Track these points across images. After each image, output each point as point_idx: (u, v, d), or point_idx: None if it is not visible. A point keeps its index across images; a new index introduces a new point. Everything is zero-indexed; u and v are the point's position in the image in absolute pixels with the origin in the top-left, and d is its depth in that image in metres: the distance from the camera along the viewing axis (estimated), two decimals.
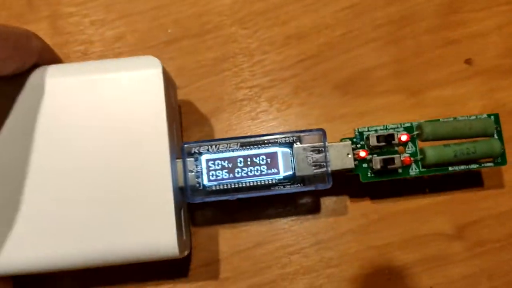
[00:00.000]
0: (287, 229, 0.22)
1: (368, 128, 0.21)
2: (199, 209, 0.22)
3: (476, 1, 0.25)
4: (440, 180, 0.22)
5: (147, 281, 0.21)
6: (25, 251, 0.18)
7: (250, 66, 0.24)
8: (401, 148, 0.21)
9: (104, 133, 0.19)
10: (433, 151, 0.21)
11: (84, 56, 0.24)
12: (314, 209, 0.22)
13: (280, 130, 0.23)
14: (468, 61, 0.24)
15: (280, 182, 0.20)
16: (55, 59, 0.21)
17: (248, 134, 0.23)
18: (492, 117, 0.21)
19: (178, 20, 0.24)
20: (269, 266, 0.21)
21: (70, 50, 0.24)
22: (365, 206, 0.22)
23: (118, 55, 0.24)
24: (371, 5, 0.25)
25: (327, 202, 0.22)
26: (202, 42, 0.24)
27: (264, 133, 0.23)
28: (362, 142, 0.21)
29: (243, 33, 0.24)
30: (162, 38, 0.24)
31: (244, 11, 0.24)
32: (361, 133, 0.21)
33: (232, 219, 0.22)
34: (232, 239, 0.22)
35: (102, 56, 0.24)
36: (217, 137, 0.23)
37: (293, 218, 0.22)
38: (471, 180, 0.22)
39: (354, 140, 0.21)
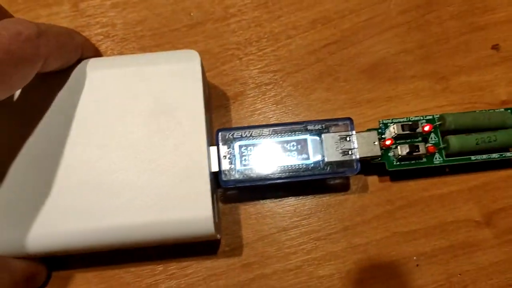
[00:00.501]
0: (313, 215, 0.22)
1: (392, 119, 0.21)
2: (224, 194, 0.22)
3: None
4: (467, 166, 0.22)
5: (172, 261, 0.21)
6: (69, 229, 0.18)
7: (274, 50, 0.24)
8: (429, 147, 0.21)
9: (145, 120, 0.19)
10: (456, 139, 0.21)
11: (106, 39, 0.24)
12: (340, 195, 0.22)
13: (305, 115, 0.23)
14: (495, 47, 0.24)
15: (310, 168, 0.20)
16: (95, 52, 0.22)
17: (273, 119, 0.23)
18: (509, 110, 0.21)
19: (201, 3, 0.24)
20: (294, 252, 0.21)
21: (91, 32, 0.24)
22: (391, 192, 0.22)
23: (139, 38, 0.24)
24: None
25: (353, 188, 0.22)
26: (226, 26, 0.24)
27: (289, 118, 0.23)
28: (386, 132, 0.21)
29: (267, 17, 0.24)
30: (185, 21, 0.24)
31: None
32: (385, 124, 0.21)
33: (257, 204, 0.22)
34: (257, 225, 0.21)
35: (123, 39, 0.24)
36: (241, 121, 0.23)
37: (319, 204, 0.22)
38: (499, 167, 0.22)
39: (379, 130, 0.21)
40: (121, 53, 0.24)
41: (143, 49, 0.24)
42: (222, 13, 0.24)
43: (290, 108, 0.23)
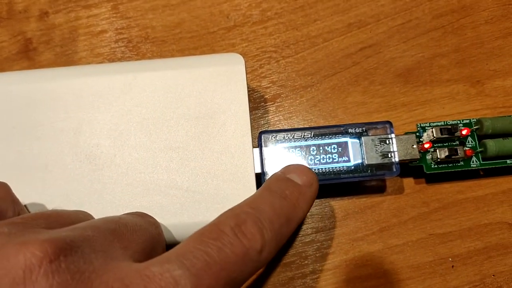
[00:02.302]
0: (350, 216, 0.22)
1: (429, 123, 0.22)
2: None
3: None
4: (501, 170, 0.23)
5: None
6: None
7: (311, 53, 0.25)
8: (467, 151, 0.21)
9: (191, 122, 0.20)
10: (494, 143, 0.21)
11: (146, 40, 0.25)
12: (376, 197, 0.23)
13: (341, 118, 0.24)
14: None
15: (350, 170, 0.21)
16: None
17: (310, 121, 0.24)
18: None
19: (238, 6, 0.25)
20: (332, 252, 0.22)
21: (131, 34, 0.25)
22: (427, 195, 0.23)
23: (178, 40, 0.25)
24: None
25: (389, 190, 0.23)
26: (263, 28, 0.25)
27: (325, 120, 0.24)
28: (424, 136, 0.22)
29: (304, 20, 0.25)
30: (223, 24, 0.25)
31: None
32: (423, 128, 0.22)
33: None
34: None
35: (163, 41, 0.25)
36: (278, 123, 0.24)
37: (356, 205, 0.23)
38: None
39: (417, 134, 0.22)
40: (160, 56, 0.24)
41: (182, 51, 0.25)
42: (259, 16, 0.25)
43: (327, 110, 0.24)
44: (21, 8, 0.25)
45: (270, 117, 0.24)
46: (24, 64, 0.24)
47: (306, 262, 0.22)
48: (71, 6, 0.25)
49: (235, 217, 0.15)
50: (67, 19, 0.25)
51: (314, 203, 0.22)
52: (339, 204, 0.23)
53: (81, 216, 0.17)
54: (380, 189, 0.23)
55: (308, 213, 0.22)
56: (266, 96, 0.24)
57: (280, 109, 0.24)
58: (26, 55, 0.25)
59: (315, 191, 0.18)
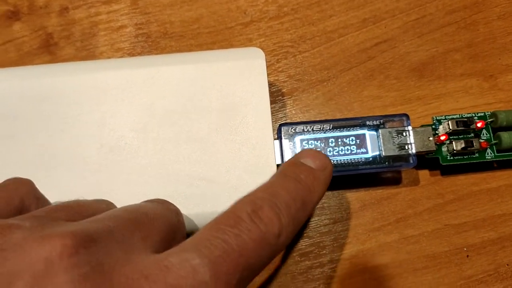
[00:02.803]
0: (366, 207, 0.23)
1: (445, 116, 0.22)
2: None
3: None
4: None
5: None
6: None
7: (327, 48, 0.25)
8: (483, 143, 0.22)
9: (213, 115, 0.21)
10: (508, 135, 0.22)
11: (164, 35, 0.25)
12: (392, 188, 0.23)
13: (357, 111, 0.24)
14: None
15: (368, 162, 0.21)
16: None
17: (327, 115, 0.24)
18: None
19: (255, 2, 0.26)
20: (349, 242, 0.23)
21: (151, 29, 0.25)
22: (442, 186, 0.23)
23: (197, 35, 0.25)
24: None
25: (404, 181, 0.23)
26: (280, 24, 0.25)
27: (341, 113, 0.24)
28: (440, 128, 0.22)
29: (319, 16, 0.26)
30: (240, 19, 0.26)
31: None
32: (438, 120, 0.22)
33: None
34: (314, 215, 0.23)
35: (181, 36, 0.25)
36: (296, 116, 0.24)
37: (372, 197, 0.23)
38: None
39: (433, 126, 0.22)
40: (179, 50, 0.25)
41: (200, 46, 0.25)
42: (276, 11, 0.26)
43: (343, 104, 0.24)
44: (41, 4, 0.26)
45: (287, 110, 0.24)
46: (45, 59, 0.25)
47: (324, 252, 0.23)
48: (91, 2, 0.26)
49: (251, 203, 0.15)
50: (87, 15, 0.26)
51: (331, 194, 0.23)
52: (355, 196, 0.23)
53: (103, 206, 0.17)
54: (396, 181, 0.24)
55: (326, 204, 0.23)
56: (284, 90, 0.25)
57: (297, 102, 0.25)
58: (47, 50, 0.25)
59: (330, 174, 0.18)
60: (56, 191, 0.20)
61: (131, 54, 0.25)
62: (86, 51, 0.25)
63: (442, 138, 0.22)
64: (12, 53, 0.25)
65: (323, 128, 0.22)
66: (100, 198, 0.19)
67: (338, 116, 0.24)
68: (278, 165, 0.21)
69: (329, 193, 0.23)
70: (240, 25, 0.26)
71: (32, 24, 0.26)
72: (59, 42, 0.25)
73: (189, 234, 0.20)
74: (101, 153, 0.20)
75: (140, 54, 0.25)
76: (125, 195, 0.20)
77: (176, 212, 0.18)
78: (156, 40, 0.25)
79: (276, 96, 0.25)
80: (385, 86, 0.25)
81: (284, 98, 0.25)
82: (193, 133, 0.21)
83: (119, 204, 0.19)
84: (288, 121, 0.24)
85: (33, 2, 0.26)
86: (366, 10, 0.26)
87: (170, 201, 0.19)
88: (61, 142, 0.21)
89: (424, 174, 0.24)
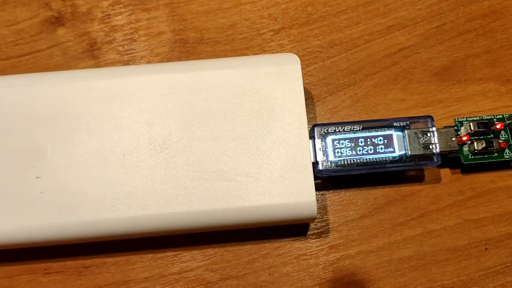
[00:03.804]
0: (391, 203, 0.25)
1: (466, 118, 0.24)
2: None
3: None
4: None
5: (267, 242, 0.24)
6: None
7: (354, 53, 0.27)
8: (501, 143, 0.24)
9: (253, 116, 0.23)
10: None
11: (201, 41, 0.27)
12: (415, 186, 0.25)
13: (382, 113, 0.26)
14: None
15: (395, 160, 0.23)
16: None
17: (353, 116, 0.26)
18: None
19: (286, 10, 0.28)
20: (375, 235, 0.25)
21: (188, 35, 0.27)
22: (462, 184, 0.25)
23: (231, 41, 0.27)
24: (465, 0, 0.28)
25: (427, 179, 0.25)
26: (309, 30, 0.27)
27: (367, 115, 0.26)
28: (462, 129, 0.24)
29: (346, 23, 0.28)
30: (271, 26, 0.28)
31: (348, 2, 0.28)
32: (460, 122, 0.24)
33: (341, 193, 0.25)
34: (342, 211, 0.25)
35: (216, 42, 0.27)
36: (325, 117, 0.26)
37: (397, 193, 0.25)
38: None
39: (455, 127, 0.24)
40: (214, 55, 0.27)
41: (235, 51, 0.27)
42: (305, 19, 0.28)
43: (369, 106, 0.26)
44: (84, 10, 0.28)
45: (316, 111, 0.26)
46: (89, 63, 0.27)
47: (352, 244, 0.25)
48: (131, 9, 0.28)
49: None
50: (128, 21, 0.28)
51: (359, 191, 0.25)
52: (381, 192, 0.25)
53: None
54: (419, 179, 0.25)
55: (353, 200, 0.25)
56: (313, 93, 0.27)
57: (326, 104, 0.26)
58: (92, 54, 0.27)
59: None
60: (109, 183, 0.22)
61: (170, 59, 0.27)
62: (128, 56, 0.27)
63: (464, 138, 0.24)
64: (57, 57, 0.27)
65: (353, 128, 0.24)
66: (149, 190, 0.21)
67: (364, 118, 0.26)
68: (312, 163, 0.23)
69: (356, 190, 0.25)
70: (272, 32, 0.28)
71: (76, 29, 0.28)
72: (102, 47, 0.27)
73: (228, 227, 0.22)
74: (151, 150, 0.22)
75: (178, 58, 0.27)
76: (173, 188, 0.22)
77: None
78: (193, 45, 0.27)
79: (307, 99, 0.27)
80: (409, 89, 0.27)
81: (314, 100, 0.27)
82: (235, 133, 0.23)
83: (167, 197, 0.21)
84: (317, 121, 0.26)
85: (76, 8, 0.28)
86: (391, 17, 0.28)
87: (213, 195, 0.21)
88: (114, 140, 0.23)
89: (445, 172, 0.26)
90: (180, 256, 0.24)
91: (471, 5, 0.28)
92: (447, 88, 0.27)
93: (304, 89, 0.27)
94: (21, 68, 0.27)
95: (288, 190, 0.22)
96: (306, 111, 0.26)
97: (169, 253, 0.24)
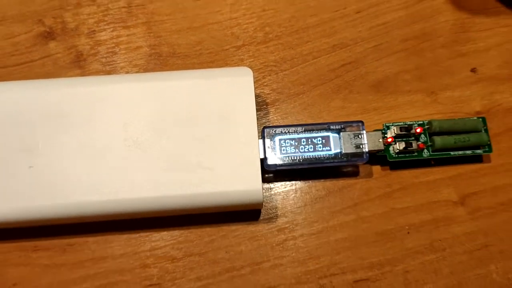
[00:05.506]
0: (330, 193, 0.30)
1: (392, 123, 0.30)
2: (264, 177, 0.30)
3: (482, 23, 0.34)
4: (448, 160, 0.31)
5: (224, 225, 0.29)
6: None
7: (304, 68, 0.33)
8: (420, 144, 0.29)
9: (212, 120, 0.28)
10: (440, 139, 0.29)
11: (173, 55, 0.32)
12: (351, 179, 0.30)
13: (326, 118, 0.32)
14: (473, 70, 0.33)
15: (331, 157, 0.28)
16: None
17: (302, 120, 0.31)
18: (481, 119, 0.30)
19: (246, 29, 0.33)
20: (316, 220, 0.30)
21: (162, 50, 0.32)
22: (390, 179, 0.31)
23: (199, 55, 0.33)
24: (400, 23, 0.33)
25: (361, 174, 0.31)
26: (266, 47, 0.33)
27: (313, 120, 0.31)
28: (388, 132, 0.30)
29: (298, 42, 0.33)
30: (234, 43, 0.33)
31: (299, 24, 0.33)
32: (387, 126, 0.30)
33: (288, 185, 0.30)
34: (288, 200, 0.30)
35: (186, 56, 0.32)
36: (277, 121, 0.31)
37: (335, 186, 0.30)
38: (472, 161, 0.31)
39: (382, 131, 0.29)
40: (184, 68, 0.32)
41: (201, 64, 0.32)
42: (263, 37, 0.33)
43: (314, 112, 0.32)
44: (73, 26, 0.33)
45: (270, 117, 0.32)
46: (76, 72, 0.32)
47: (296, 228, 0.30)
48: (113, 27, 0.33)
49: None
50: (110, 36, 0.33)
51: (303, 183, 0.30)
52: (322, 185, 0.30)
53: None
54: (354, 174, 0.31)
55: (298, 191, 0.30)
56: (267, 101, 0.32)
57: (278, 110, 0.32)
58: (78, 65, 0.32)
59: None
60: (92, 173, 0.27)
61: (146, 69, 0.32)
62: (109, 66, 0.32)
63: (389, 140, 0.29)
64: (48, 67, 0.32)
65: (297, 130, 0.29)
66: (123, 179, 0.26)
67: (310, 122, 0.31)
68: (261, 159, 0.28)
69: (301, 182, 0.30)
70: (234, 48, 0.33)
71: (65, 43, 0.33)
72: (87, 59, 0.32)
73: (187, 211, 0.27)
74: (126, 145, 0.27)
75: (153, 69, 0.32)
76: (144, 177, 0.27)
77: None
78: (166, 58, 0.33)
79: (262, 105, 0.32)
80: (348, 99, 0.32)
81: (268, 107, 0.32)
82: (197, 133, 0.28)
83: (142, 183, 0.26)
84: (270, 124, 0.31)
85: (65, 25, 0.33)
86: (335, 38, 0.33)
87: (177, 183, 0.26)
88: (96, 137, 0.27)
89: (376, 169, 0.31)
90: (151, 236, 0.29)
91: (404, 28, 0.34)
92: (380, 98, 0.32)
93: (259, 97, 0.32)
94: (17, 76, 0.32)
95: (240, 180, 0.27)
96: (261, 116, 0.31)
97: (141, 234, 0.29)
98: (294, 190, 0.30)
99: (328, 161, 0.29)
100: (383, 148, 0.29)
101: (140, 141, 0.27)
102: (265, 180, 0.31)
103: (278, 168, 0.29)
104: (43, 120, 0.28)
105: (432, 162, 0.31)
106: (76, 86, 0.29)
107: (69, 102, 0.28)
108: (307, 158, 0.29)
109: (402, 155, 0.30)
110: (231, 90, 0.28)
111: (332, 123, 0.29)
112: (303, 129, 0.29)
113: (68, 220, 0.27)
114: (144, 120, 0.28)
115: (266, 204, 0.30)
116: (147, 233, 0.29)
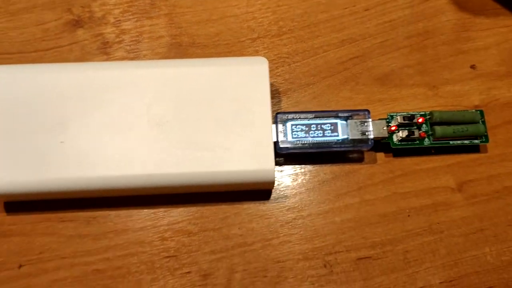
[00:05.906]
0: (337, 177, 0.33)
1: (396, 113, 0.32)
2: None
3: (482, 23, 0.36)
4: (447, 149, 0.33)
5: (237, 204, 0.32)
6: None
7: (314, 60, 0.35)
8: (421, 133, 0.32)
9: (229, 105, 0.30)
10: (440, 128, 0.32)
11: (192, 45, 0.35)
12: (357, 165, 0.33)
13: (334, 107, 0.34)
14: (473, 67, 0.35)
15: (339, 142, 0.31)
16: None
17: (312, 108, 0.34)
18: (479, 111, 0.32)
19: (261, 23, 0.35)
20: (323, 201, 0.32)
21: (182, 40, 0.35)
22: (393, 165, 0.33)
23: (217, 46, 0.35)
24: (405, 21, 0.36)
25: (366, 160, 0.33)
26: (279, 40, 0.35)
27: (323, 108, 0.34)
28: (392, 121, 0.32)
29: (310, 36, 0.35)
30: (249, 35, 0.35)
31: (311, 19, 0.35)
32: (391, 116, 0.32)
33: (298, 168, 0.33)
34: (298, 182, 0.32)
35: (205, 46, 0.35)
36: (289, 108, 0.34)
37: (342, 170, 0.33)
38: (469, 151, 0.33)
39: (387, 120, 0.32)
40: (203, 57, 0.35)
41: (219, 54, 0.35)
42: (277, 31, 0.35)
43: (323, 102, 0.34)
44: (100, 16, 0.35)
45: (282, 104, 0.34)
46: (102, 58, 0.34)
47: (304, 208, 0.32)
48: (137, 17, 0.35)
49: None
50: (134, 26, 0.35)
51: (312, 168, 0.32)
52: (329, 169, 0.33)
53: None
54: (359, 160, 0.33)
55: (307, 173, 0.32)
56: (280, 89, 0.34)
57: (290, 99, 0.34)
58: (104, 51, 0.35)
59: None
60: (118, 149, 0.29)
61: (167, 57, 0.35)
62: (133, 53, 0.35)
63: (393, 128, 0.32)
64: (76, 52, 0.35)
65: (307, 117, 0.31)
66: (146, 156, 0.28)
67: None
68: (274, 142, 0.30)
69: (310, 166, 0.33)
70: (250, 40, 0.35)
71: (92, 31, 0.35)
72: (113, 46, 0.35)
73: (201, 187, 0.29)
74: (149, 125, 0.29)
75: (173, 58, 0.35)
76: (166, 155, 0.29)
77: None
78: (186, 48, 0.35)
79: (274, 94, 0.34)
80: (355, 90, 0.34)
81: (280, 95, 0.34)
82: (215, 115, 0.30)
83: (164, 160, 0.28)
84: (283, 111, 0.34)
85: (93, 14, 0.36)
86: (344, 33, 0.36)
87: (197, 161, 0.28)
88: (122, 117, 0.30)
89: (380, 155, 0.33)
90: (169, 211, 0.32)
91: (408, 26, 0.36)
92: (385, 90, 0.34)
93: (273, 86, 0.34)
94: (47, 59, 0.34)
95: (254, 160, 0.29)
96: (273, 103, 0.34)
97: (160, 209, 0.32)
98: (303, 173, 0.33)
99: (335, 146, 0.31)
100: (387, 136, 0.32)
101: (162, 122, 0.30)
102: (276, 163, 0.33)
103: (289, 151, 0.31)
104: (74, 100, 0.30)
105: (432, 151, 0.33)
106: (104, 69, 0.31)
107: (98, 84, 0.30)
108: (316, 142, 0.31)
109: (404, 142, 0.32)
110: (248, 78, 0.31)
111: (340, 111, 0.31)
112: (313, 115, 0.31)
113: (93, 193, 0.30)
114: (166, 103, 0.30)
115: (277, 186, 0.32)
116: (166, 209, 0.32)
